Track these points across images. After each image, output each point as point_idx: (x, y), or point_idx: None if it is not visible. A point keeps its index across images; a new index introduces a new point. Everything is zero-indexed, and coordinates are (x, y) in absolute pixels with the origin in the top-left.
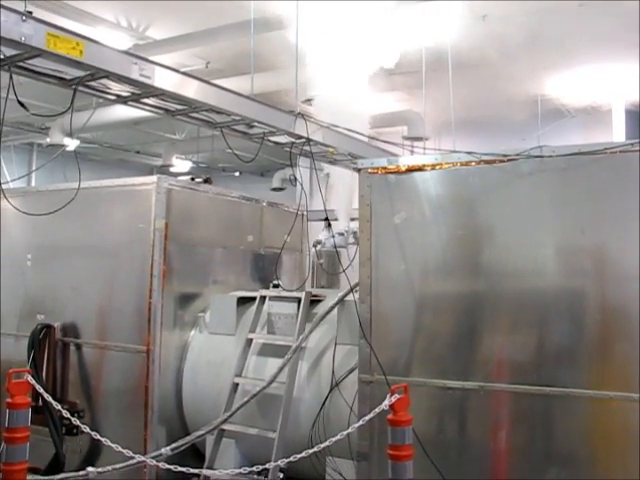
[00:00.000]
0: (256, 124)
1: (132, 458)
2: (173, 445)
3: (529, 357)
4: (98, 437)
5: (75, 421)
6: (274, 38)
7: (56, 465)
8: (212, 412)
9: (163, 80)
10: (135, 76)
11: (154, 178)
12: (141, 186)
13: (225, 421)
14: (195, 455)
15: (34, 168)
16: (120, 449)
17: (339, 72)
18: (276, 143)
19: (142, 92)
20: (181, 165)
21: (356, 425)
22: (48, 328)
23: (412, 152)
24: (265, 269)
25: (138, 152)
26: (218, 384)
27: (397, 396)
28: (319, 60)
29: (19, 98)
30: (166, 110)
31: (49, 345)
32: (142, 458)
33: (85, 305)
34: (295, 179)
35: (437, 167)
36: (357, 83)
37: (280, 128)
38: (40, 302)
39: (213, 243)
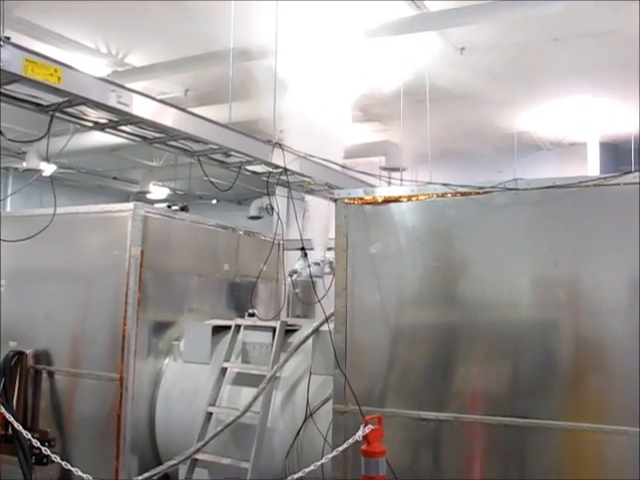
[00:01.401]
0: (233, 153)
1: None
2: (145, 475)
3: (503, 388)
4: (69, 467)
5: (45, 450)
6: (253, 67)
7: None
8: (185, 441)
9: (141, 108)
10: (113, 103)
11: (131, 205)
12: (117, 213)
13: (198, 451)
14: None
15: (9, 193)
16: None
17: (316, 101)
18: (253, 172)
19: (120, 119)
20: (158, 192)
21: (329, 456)
22: (20, 355)
23: (389, 183)
24: (241, 298)
25: (115, 178)
26: (192, 413)
27: (371, 427)
28: (297, 90)
29: None
30: (144, 138)
31: (20, 372)
32: None
33: (58, 332)
34: (272, 208)
35: (413, 198)
36: (334, 113)
37: (257, 157)
38: (13, 328)
39: (189, 271)
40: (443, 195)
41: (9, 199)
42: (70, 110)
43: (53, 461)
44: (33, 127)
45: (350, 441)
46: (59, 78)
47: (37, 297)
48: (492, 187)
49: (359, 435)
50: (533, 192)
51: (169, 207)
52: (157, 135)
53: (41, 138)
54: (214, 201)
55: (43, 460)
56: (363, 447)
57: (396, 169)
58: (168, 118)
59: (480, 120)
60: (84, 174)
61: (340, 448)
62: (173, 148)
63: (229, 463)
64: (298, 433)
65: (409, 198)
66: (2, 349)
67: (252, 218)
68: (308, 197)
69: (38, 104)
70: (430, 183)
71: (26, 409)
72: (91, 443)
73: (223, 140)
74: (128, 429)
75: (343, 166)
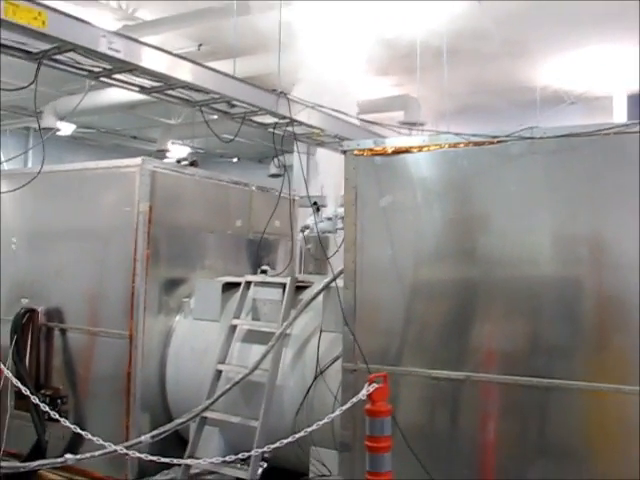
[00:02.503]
0: (237, 103)
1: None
2: (153, 432)
3: (521, 347)
4: (78, 430)
5: (51, 410)
6: (265, 20)
7: (38, 451)
8: (195, 399)
9: (133, 54)
10: (103, 49)
11: (138, 160)
12: (125, 168)
13: (207, 409)
14: (179, 442)
15: (26, 151)
16: (101, 442)
17: (329, 52)
18: (259, 124)
19: (113, 67)
20: (178, 151)
21: (332, 415)
22: (31, 312)
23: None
24: (254, 255)
25: (135, 137)
26: (202, 371)
27: (375, 385)
28: (310, 41)
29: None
30: (141, 87)
31: (32, 330)
32: (122, 447)
33: (69, 289)
34: (284, 166)
35: (425, 149)
36: (347, 65)
37: (262, 107)
38: (25, 286)
39: (200, 227)
40: (455, 145)
41: (30, 159)
42: (60, 57)
43: (66, 417)
44: (49, 85)
45: (354, 400)
46: (44, 22)
47: (48, 254)
48: (506, 136)
49: (363, 394)
50: (550, 141)
51: (178, 162)
52: (155, 84)
53: (27, 86)
54: (235, 159)
55: (55, 417)
56: (367, 406)
57: (415, 124)
58: (163, 65)
59: (501, 74)
60: (103, 133)
61: (344, 407)
62: (173, 98)
63: (238, 422)
64: (308, 391)
65: (420, 149)
66: (15, 306)
67: (273, 176)
68: (319, 152)
69: (27, 51)
70: (442, 132)
71: (38, 366)
72: (102, 400)
73: (224, 89)
74: (138, 387)
75: (355, 117)
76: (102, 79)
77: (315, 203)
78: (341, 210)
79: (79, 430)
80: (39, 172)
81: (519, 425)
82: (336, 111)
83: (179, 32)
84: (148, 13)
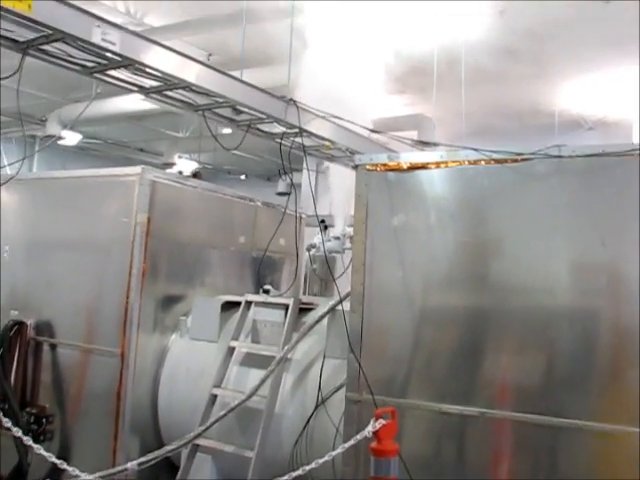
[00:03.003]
0: (243, 109)
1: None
2: (140, 459)
3: (535, 383)
4: (65, 466)
5: (27, 440)
6: (275, 30)
7: (19, 475)
8: (189, 424)
9: (129, 48)
10: (96, 40)
11: (138, 169)
12: (125, 177)
13: (199, 436)
14: (169, 468)
15: (33, 160)
16: (77, 473)
17: (341, 66)
18: (266, 133)
19: (108, 62)
20: (185, 165)
21: (334, 453)
22: (20, 325)
23: None
24: (257, 273)
25: (141, 150)
26: (197, 394)
27: (382, 422)
28: (320, 52)
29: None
30: (140, 87)
31: (20, 343)
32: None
33: (61, 302)
34: (291, 179)
35: (442, 165)
36: (360, 79)
37: (269, 114)
38: (15, 297)
39: (201, 242)
40: (476, 162)
41: (35, 167)
42: (48, 48)
43: (51, 438)
44: (55, 93)
45: (358, 437)
46: (29, 6)
47: (41, 264)
48: (531, 153)
49: (369, 431)
50: (578, 160)
51: (180, 173)
52: (154, 84)
53: (9, 76)
54: (243, 176)
55: (40, 437)
56: (373, 444)
57: (429, 143)
58: (163, 62)
59: (518, 95)
60: (110, 144)
61: (346, 445)
62: (173, 101)
63: (232, 451)
64: (308, 421)
65: (437, 165)
66: (3, 318)
67: (281, 194)
68: (330, 169)
69: (13, 40)
70: (461, 147)
71: (25, 382)
72: (91, 421)
73: (229, 92)
74: (128, 408)
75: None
76: (96, 75)
77: (323, 221)
78: (350, 229)
79: (54, 459)
80: (13, 177)
81: (530, 465)
82: (349, 122)
83: (189, 40)
84: (156, 19)
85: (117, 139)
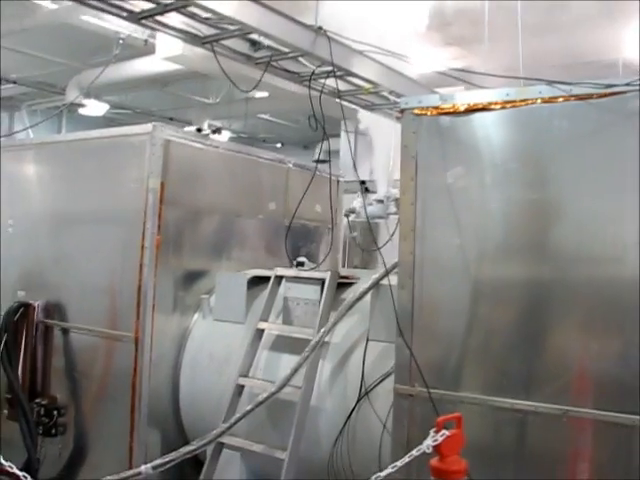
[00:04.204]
0: (261, 40)
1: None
2: (155, 462)
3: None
4: None
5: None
6: None
7: (27, 473)
8: (214, 416)
9: None
10: None
11: (149, 127)
12: (134, 137)
13: (223, 434)
14: (195, 463)
15: (62, 132)
16: None
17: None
18: (290, 73)
19: None
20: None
21: (383, 474)
22: (26, 307)
23: None
24: (290, 244)
25: (171, 118)
26: (222, 383)
27: (446, 433)
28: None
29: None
30: (129, 12)
31: (27, 328)
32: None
33: (69, 281)
34: (324, 129)
35: (509, 105)
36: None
37: (294, 46)
38: (22, 276)
39: (224, 210)
40: (550, 100)
41: None
42: None
43: (63, 432)
44: (72, 59)
45: (414, 453)
46: None
47: (48, 239)
48: (626, 84)
49: (428, 445)
50: None
51: (199, 131)
52: (146, 6)
53: None
54: (279, 144)
55: (51, 431)
56: (434, 462)
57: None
58: None
59: (577, 45)
60: (138, 114)
61: (399, 463)
62: (173, 30)
63: (261, 451)
64: (350, 416)
65: (503, 105)
66: (10, 300)
67: (318, 162)
68: (370, 129)
69: None
70: (532, 80)
71: (34, 371)
72: (107, 413)
73: (243, 15)
74: (145, 399)
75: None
76: None
77: (363, 182)
78: (395, 191)
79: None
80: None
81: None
82: (393, 55)
83: None
84: None
85: (145, 108)
